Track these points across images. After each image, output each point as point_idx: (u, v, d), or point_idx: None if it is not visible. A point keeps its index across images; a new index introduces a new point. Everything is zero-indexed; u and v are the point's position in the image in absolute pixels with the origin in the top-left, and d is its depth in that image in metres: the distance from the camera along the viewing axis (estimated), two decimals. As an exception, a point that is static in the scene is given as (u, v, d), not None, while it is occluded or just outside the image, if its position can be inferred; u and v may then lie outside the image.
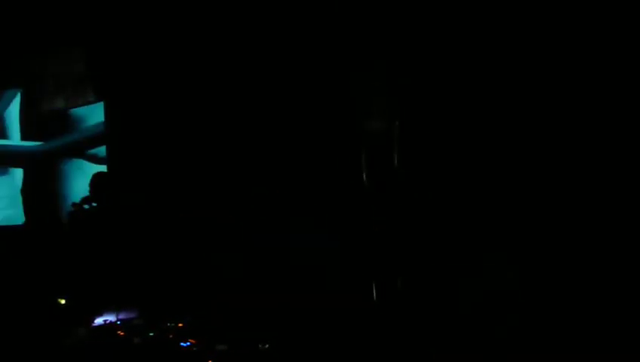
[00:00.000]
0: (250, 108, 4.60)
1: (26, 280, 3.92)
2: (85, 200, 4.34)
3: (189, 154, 4.74)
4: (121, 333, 3.46)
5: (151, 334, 3.45)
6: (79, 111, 5.15)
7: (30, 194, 5.41)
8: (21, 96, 5.29)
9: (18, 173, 5.78)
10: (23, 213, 4.82)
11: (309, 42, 4.42)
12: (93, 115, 5.10)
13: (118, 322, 3.56)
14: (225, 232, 4.40)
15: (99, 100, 4.81)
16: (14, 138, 5.49)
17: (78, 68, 4.62)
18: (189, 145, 4.73)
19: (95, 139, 5.07)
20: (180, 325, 3.61)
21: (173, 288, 3.97)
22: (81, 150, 5.23)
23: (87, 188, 4.40)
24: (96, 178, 4.40)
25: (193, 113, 4.73)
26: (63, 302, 3.53)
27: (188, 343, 3.44)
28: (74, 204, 4.33)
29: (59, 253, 4.16)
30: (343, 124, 4.44)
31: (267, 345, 3.76)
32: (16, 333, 3.24)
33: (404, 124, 4.32)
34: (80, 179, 4.91)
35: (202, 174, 4.70)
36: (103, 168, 5.13)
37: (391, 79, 4.27)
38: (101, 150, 5.08)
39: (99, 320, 3.58)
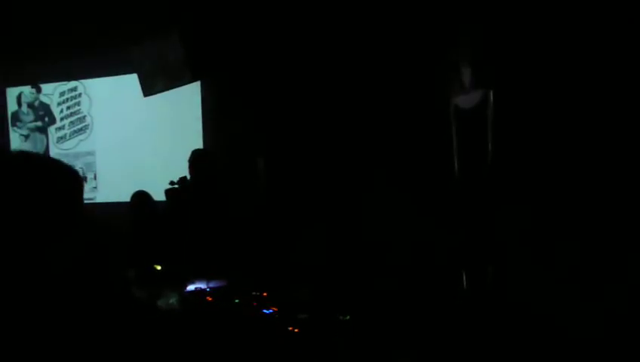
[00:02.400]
0: (341, 89, 4.69)
1: (130, 250, 4.26)
2: (183, 178, 4.63)
3: (285, 135, 4.92)
4: (209, 299, 3.71)
5: (236, 301, 3.67)
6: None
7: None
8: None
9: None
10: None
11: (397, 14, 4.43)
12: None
13: (208, 289, 3.81)
14: (313, 209, 4.56)
15: (194, 80, 5.05)
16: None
17: (175, 51, 4.91)
18: (286, 127, 4.90)
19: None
20: (265, 294, 3.81)
21: (261, 260, 4.18)
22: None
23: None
24: (195, 156, 4.67)
25: (288, 94, 4.89)
26: (159, 268, 3.83)
27: (270, 310, 3.62)
28: (172, 182, 4.62)
29: (158, 226, 4.48)
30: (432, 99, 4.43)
31: (348, 316, 3.87)
32: (117, 294, 3.56)
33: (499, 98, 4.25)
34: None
35: (297, 155, 4.86)
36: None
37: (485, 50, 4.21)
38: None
39: (190, 287, 3.85)
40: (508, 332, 3.62)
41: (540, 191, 4.05)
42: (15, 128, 6.68)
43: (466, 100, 4.37)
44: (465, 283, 4.20)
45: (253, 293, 3.76)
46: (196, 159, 4.58)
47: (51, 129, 6.61)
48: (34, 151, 2.75)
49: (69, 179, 1.40)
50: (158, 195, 4.80)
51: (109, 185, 6.32)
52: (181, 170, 4.61)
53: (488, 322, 3.81)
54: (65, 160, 1.46)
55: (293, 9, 4.72)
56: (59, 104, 6.55)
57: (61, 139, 6.57)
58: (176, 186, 4.53)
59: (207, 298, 3.71)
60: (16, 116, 6.68)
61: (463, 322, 3.87)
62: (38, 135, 6.60)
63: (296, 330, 3.45)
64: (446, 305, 4.04)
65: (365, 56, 4.66)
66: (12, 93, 6.62)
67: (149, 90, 5.01)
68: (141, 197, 4.78)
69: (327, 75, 4.73)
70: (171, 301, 3.62)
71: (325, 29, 4.65)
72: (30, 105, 6.63)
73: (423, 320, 3.86)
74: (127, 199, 4.85)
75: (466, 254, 4.22)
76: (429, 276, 4.25)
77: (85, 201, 1.49)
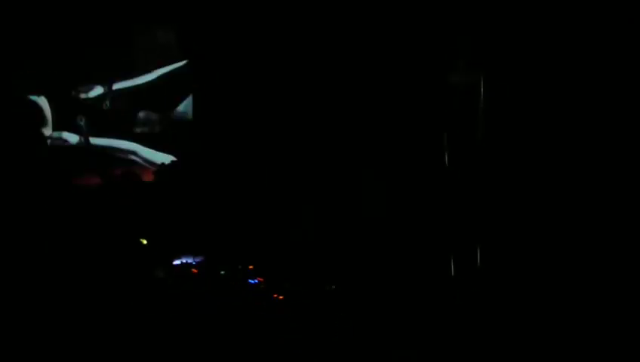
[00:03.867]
0: (336, 69, 4.69)
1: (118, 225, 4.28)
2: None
3: (271, 114, 4.91)
4: (195, 271, 3.76)
5: (222, 273, 3.73)
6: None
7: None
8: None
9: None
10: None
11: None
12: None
13: (194, 263, 3.86)
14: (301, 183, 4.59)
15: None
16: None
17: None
18: (273, 107, 4.90)
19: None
20: (250, 267, 3.87)
21: (247, 234, 4.23)
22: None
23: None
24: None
25: (276, 76, 4.88)
26: (145, 242, 3.88)
27: (256, 281, 3.69)
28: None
29: (146, 202, 4.51)
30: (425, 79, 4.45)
31: (333, 286, 3.94)
32: (104, 266, 3.63)
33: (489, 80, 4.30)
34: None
35: (279, 130, 4.87)
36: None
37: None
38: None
39: (177, 261, 3.90)
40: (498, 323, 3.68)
41: (531, 180, 4.11)
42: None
43: (458, 80, 4.40)
44: (453, 270, 4.22)
45: (239, 266, 3.81)
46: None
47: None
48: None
49: None
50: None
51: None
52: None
53: (477, 310, 3.86)
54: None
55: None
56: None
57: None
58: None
59: (193, 270, 3.77)
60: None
61: (453, 309, 3.92)
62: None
63: (280, 298, 3.51)
64: (434, 291, 4.07)
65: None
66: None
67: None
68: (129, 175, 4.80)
69: (319, 66, 4.74)
70: (158, 273, 3.68)
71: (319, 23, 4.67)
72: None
73: (411, 305, 3.90)
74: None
75: (455, 240, 4.25)
76: (417, 260, 4.27)
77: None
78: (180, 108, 5.11)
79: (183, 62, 5.08)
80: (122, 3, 4.98)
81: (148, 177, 4.83)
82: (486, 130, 4.29)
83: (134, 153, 5.10)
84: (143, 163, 5.07)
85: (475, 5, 4.25)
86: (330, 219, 4.48)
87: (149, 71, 5.17)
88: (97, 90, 5.21)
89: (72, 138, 5.18)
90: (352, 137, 4.61)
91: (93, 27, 5.02)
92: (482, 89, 4.28)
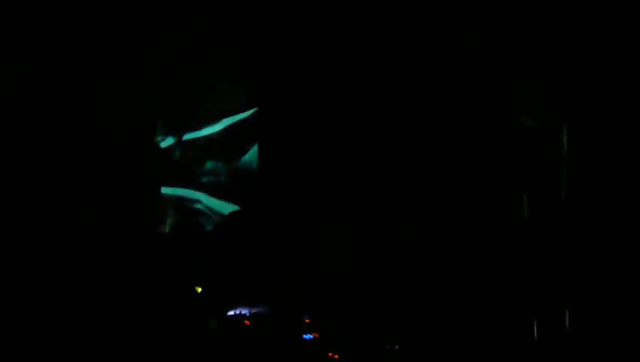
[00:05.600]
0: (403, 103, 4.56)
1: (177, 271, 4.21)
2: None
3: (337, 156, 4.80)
4: (247, 323, 3.59)
5: (275, 325, 3.54)
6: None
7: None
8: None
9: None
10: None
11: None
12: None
13: (248, 314, 3.70)
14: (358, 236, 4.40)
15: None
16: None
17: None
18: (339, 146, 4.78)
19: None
20: (307, 321, 3.65)
21: (304, 287, 4.04)
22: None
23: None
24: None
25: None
26: (199, 290, 3.77)
27: (311, 336, 3.46)
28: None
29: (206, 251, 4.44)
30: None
31: (397, 347, 3.66)
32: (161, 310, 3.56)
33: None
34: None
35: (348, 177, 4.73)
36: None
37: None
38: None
39: (231, 312, 3.75)
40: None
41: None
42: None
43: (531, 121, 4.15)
44: (536, 333, 3.85)
45: (295, 319, 3.61)
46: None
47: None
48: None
49: None
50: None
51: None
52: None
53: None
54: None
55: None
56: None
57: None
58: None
59: (246, 322, 3.60)
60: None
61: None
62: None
63: (335, 357, 3.27)
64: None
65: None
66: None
67: None
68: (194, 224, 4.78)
69: (356, 78, 4.65)
70: (211, 323, 3.54)
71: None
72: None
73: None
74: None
75: (538, 300, 3.90)
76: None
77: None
78: (246, 157, 5.08)
79: (250, 111, 5.09)
80: (190, 56, 5.10)
81: (211, 226, 4.79)
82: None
83: (200, 202, 5.09)
84: (208, 212, 5.04)
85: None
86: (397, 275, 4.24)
87: (217, 121, 5.21)
88: (168, 141, 5.29)
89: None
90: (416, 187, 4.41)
91: (165, 79, 5.16)
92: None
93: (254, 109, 5.16)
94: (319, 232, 4.40)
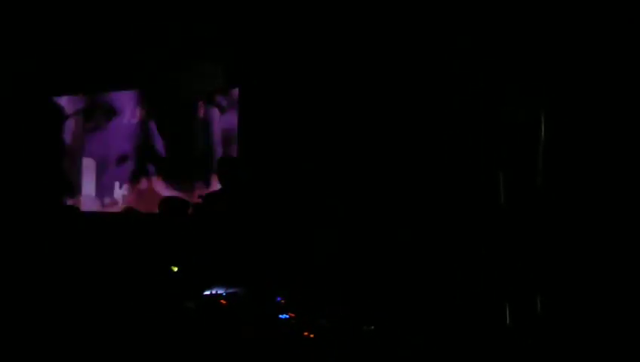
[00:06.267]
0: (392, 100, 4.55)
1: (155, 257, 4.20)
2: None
3: (315, 147, 4.80)
4: (224, 302, 3.58)
5: (252, 305, 3.53)
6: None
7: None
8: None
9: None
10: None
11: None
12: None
13: (224, 294, 3.69)
14: (337, 216, 4.40)
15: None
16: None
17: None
18: (318, 139, 4.79)
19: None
20: (282, 301, 3.65)
21: (281, 267, 4.04)
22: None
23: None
24: (222, 165, 4.62)
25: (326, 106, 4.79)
26: (175, 269, 3.76)
27: (287, 316, 3.46)
28: (200, 196, 4.59)
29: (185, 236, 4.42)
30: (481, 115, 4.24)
31: (372, 327, 3.66)
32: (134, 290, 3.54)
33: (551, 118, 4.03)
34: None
35: (328, 165, 4.73)
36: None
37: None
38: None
39: (207, 292, 3.74)
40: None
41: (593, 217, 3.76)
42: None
43: (514, 115, 4.15)
44: (508, 317, 3.88)
45: (271, 299, 3.61)
46: (221, 167, 4.53)
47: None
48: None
49: None
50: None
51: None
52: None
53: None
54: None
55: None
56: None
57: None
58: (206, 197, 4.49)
59: (222, 301, 3.59)
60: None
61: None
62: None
63: (311, 336, 3.27)
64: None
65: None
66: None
67: None
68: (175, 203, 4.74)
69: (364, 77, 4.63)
70: (188, 303, 3.52)
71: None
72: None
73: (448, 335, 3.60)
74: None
75: (510, 283, 3.92)
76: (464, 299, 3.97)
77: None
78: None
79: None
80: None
81: (189, 206, 4.76)
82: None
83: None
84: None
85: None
86: (372, 254, 4.25)
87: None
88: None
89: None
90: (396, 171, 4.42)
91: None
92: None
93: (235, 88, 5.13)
94: (307, 217, 4.41)
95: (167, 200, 4.72)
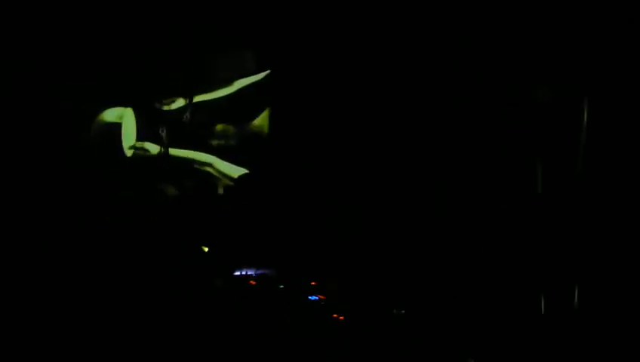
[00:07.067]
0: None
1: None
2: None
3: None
4: (253, 283, 3.58)
5: (281, 286, 3.53)
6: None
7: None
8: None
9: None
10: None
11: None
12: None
13: (254, 274, 3.69)
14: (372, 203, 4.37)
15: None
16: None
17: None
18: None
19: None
20: (313, 284, 3.64)
21: (314, 251, 4.02)
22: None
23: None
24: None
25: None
26: (206, 249, 3.78)
27: (317, 298, 3.45)
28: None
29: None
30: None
31: (403, 311, 3.63)
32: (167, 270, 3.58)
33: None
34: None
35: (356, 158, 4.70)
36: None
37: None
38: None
39: (237, 272, 3.75)
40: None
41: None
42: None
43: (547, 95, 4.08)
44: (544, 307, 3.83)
45: (301, 281, 3.60)
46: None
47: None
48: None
49: None
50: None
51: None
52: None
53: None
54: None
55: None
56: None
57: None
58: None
59: (251, 282, 3.59)
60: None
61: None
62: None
63: (340, 318, 3.25)
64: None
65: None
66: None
67: None
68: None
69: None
70: (217, 282, 3.53)
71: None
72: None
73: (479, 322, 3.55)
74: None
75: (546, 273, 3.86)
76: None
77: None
78: (256, 121, 5.04)
79: (262, 74, 5.04)
80: (203, 18, 5.04)
81: (221, 189, 4.78)
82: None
83: (210, 165, 5.07)
84: (218, 175, 5.03)
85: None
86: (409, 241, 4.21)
87: (229, 83, 5.17)
88: (179, 103, 5.26)
89: (153, 148, 5.24)
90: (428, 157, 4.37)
91: (176, 41, 5.12)
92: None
93: (267, 72, 5.11)
94: (331, 201, 4.40)
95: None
